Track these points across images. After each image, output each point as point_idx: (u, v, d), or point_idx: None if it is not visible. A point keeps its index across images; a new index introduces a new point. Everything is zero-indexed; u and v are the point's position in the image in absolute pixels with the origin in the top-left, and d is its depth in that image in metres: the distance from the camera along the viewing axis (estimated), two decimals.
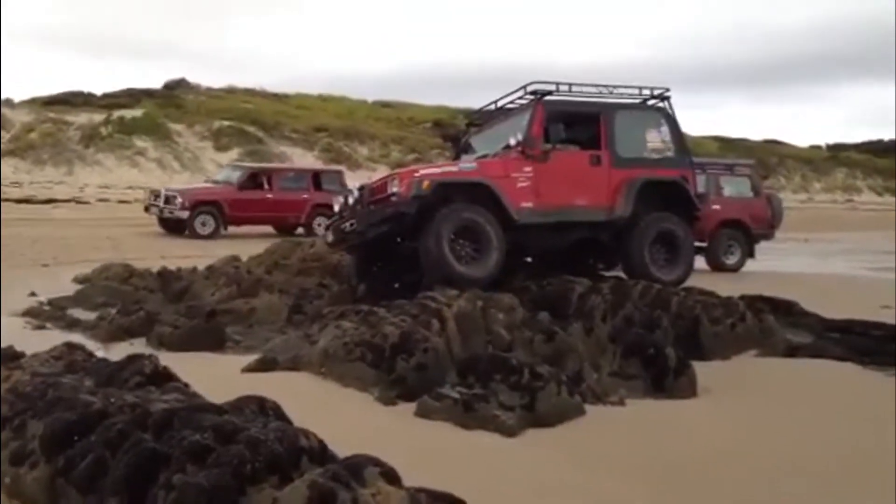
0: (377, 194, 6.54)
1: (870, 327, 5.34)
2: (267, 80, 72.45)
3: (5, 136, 25.57)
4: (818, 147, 48.68)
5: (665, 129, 7.43)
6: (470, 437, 3.33)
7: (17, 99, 29.44)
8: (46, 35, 69.89)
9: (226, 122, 29.44)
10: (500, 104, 7.60)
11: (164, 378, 3.24)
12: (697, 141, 34.35)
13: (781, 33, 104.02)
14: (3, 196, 18.50)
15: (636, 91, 7.49)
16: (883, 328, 5.28)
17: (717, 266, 10.85)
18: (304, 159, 27.72)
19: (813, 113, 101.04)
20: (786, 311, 5.75)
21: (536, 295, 5.70)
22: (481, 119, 8.18)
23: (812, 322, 5.62)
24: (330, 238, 7.14)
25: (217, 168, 22.66)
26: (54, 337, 5.11)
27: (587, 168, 7.04)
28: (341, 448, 2.36)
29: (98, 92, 31.75)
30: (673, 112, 7.51)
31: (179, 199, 14.54)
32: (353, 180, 13.09)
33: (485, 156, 7.27)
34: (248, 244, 11.20)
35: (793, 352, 4.96)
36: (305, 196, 15.63)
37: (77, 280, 7.98)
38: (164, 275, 7.56)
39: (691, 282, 6.81)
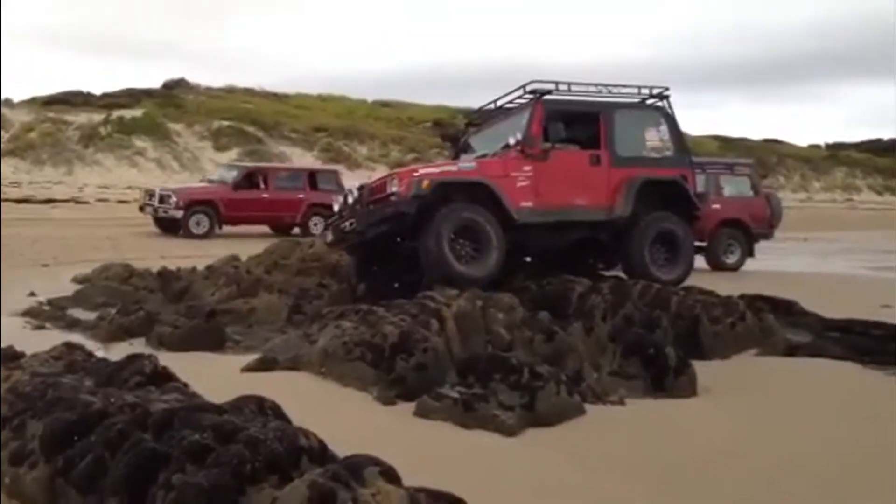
0: (377, 194, 6.54)
1: (869, 326, 5.34)
2: (266, 79, 72.62)
3: (5, 135, 25.58)
4: (818, 146, 48.72)
5: (664, 128, 7.43)
6: (470, 436, 3.32)
7: (16, 99, 29.49)
8: (46, 35, 69.94)
9: (225, 122, 29.44)
10: (499, 103, 7.59)
11: (163, 378, 3.24)
12: (697, 140, 34.37)
13: (781, 33, 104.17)
14: (2, 196, 18.49)
15: (635, 90, 7.49)
16: (883, 327, 5.27)
17: (716, 265, 10.85)
18: (304, 159, 27.74)
19: (812, 112, 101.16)
20: (785, 310, 5.75)
21: (536, 294, 5.70)
22: (480, 118, 8.18)
23: (812, 321, 5.61)
24: (329, 238, 7.14)
25: (216, 168, 22.64)
26: (54, 337, 5.11)
27: (587, 167, 7.04)
28: (341, 448, 2.36)
29: (97, 92, 31.82)
30: (672, 111, 7.51)
31: (174, 199, 14.51)
32: (353, 180, 13.08)
33: (484, 155, 7.27)
34: (247, 244, 11.20)
35: (792, 351, 4.96)
36: (301, 196, 15.61)
37: (77, 280, 7.98)
38: (163, 275, 7.56)
39: (691, 281, 6.81)
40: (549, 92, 7.04)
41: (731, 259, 11.05)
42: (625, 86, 7.45)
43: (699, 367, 4.27)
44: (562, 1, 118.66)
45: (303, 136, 30.53)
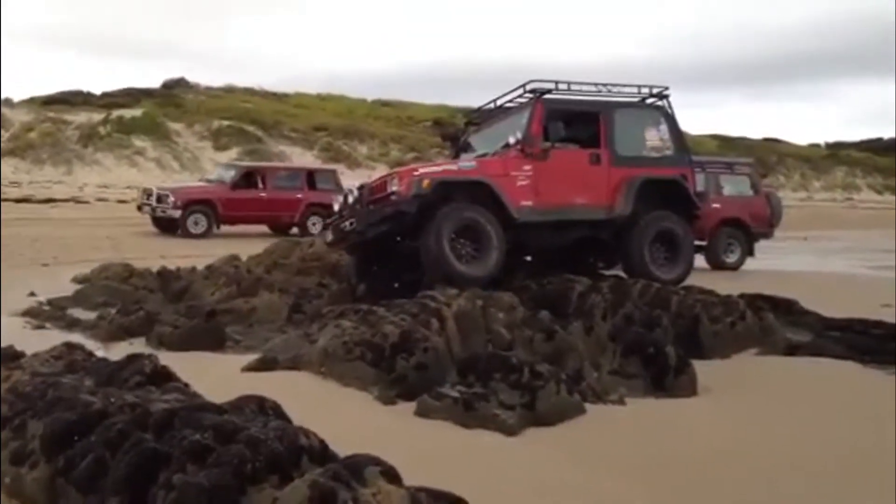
0: (377, 193, 6.53)
1: (870, 326, 5.33)
2: (266, 79, 72.62)
3: (5, 135, 25.57)
4: (817, 145, 48.73)
5: (664, 127, 7.43)
6: (470, 436, 3.32)
7: (16, 98, 29.47)
8: (46, 35, 69.92)
9: (225, 122, 29.44)
10: (499, 103, 7.59)
11: (164, 378, 3.24)
12: (697, 139, 34.38)
13: (781, 32, 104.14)
14: (2, 196, 18.49)
15: (635, 90, 7.49)
16: (883, 327, 5.27)
17: (716, 264, 10.85)
18: (304, 158, 27.73)
19: (812, 111, 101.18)
20: (786, 309, 5.74)
21: (536, 294, 5.70)
22: (480, 118, 8.17)
23: (812, 320, 5.61)
24: (329, 237, 7.14)
25: (214, 168, 22.63)
26: (54, 337, 5.11)
27: (587, 167, 7.04)
28: (341, 447, 2.36)
29: (97, 91, 31.80)
30: (672, 111, 7.51)
31: (172, 198, 14.48)
32: (353, 179, 13.10)
33: (484, 154, 7.27)
34: (248, 243, 11.20)
35: (793, 350, 4.96)
36: (299, 195, 15.58)
37: (76, 280, 7.97)
38: (163, 274, 7.56)
39: (691, 280, 6.81)
40: (549, 91, 7.04)
41: (731, 258, 11.05)
42: (625, 85, 7.46)
43: (699, 366, 4.27)
44: (562, 1, 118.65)
45: (303, 136, 30.53)
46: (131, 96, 30.94)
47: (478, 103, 8.41)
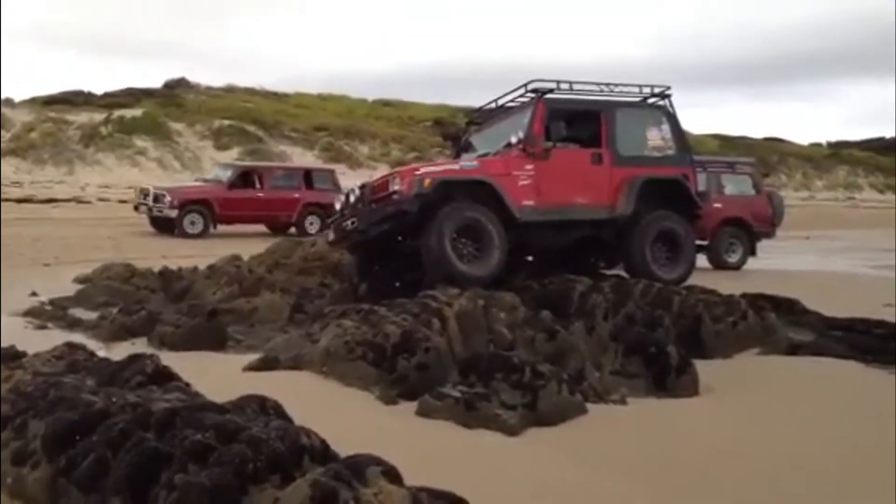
0: (378, 193, 6.53)
1: (872, 325, 5.33)
2: (267, 79, 72.65)
3: (6, 135, 25.58)
4: (819, 145, 48.72)
5: (666, 127, 7.42)
6: (471, 436, 3.32)
7: (17, 98, 29.49)
8: (46, 35, 69.98)
9: (226, 122, 29.44)
10: (500, 102, 7.59)
11: (165, 377, 3.24)
12: (698, 139, 34.36)
13: (781, 32, 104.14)
14: (4, 196, 18.50)
15: (637, 89, 7.49)
16: (885, 326, 5.26)
17: (718, 264, 10.83)
18: (305, 158, 27.72)
19: (813, 111, 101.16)
20: (787, 309, 5.74)
21: (538, 293, 5.69)
22: (482, 117, 8.17)
23: (814, 320, 5.60)
24: (331, 236, 7.14)
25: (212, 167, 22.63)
26: (55, 337, 5.11)
27: (588, 166, 7.03)
28: (343, 447, 2.36)
29: (98, 91, 31.81)
30: (674, 110, 7.50)
31: (168, 198, 14.42)
32: (354, 179, 13.09)
33: (486, 154, 7.26)
34: (249, 243, 11.20)
35: (795, 350, 4.96)
36: (297, 195, 15.57)
37: (78, 280, 7.98)
38: (165, 274, 7.56)
39: (693, 280, 6.80)
40: (551, 91, 7.03)
41: (733, 258, 11.03)
42: (626, 85, 7.45)
43: (701, 366, 4.26)
44: (562, 1, 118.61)
45: (303, 136, 30.53)
46: (132, 96, 30.95)
47: (478, 103, 8.42)
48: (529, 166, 6.72)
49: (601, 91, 7.31)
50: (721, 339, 4.94)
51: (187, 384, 3.23)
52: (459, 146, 8.36)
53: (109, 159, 26.05)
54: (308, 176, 16.25)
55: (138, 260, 9.14)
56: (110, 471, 2.24)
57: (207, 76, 72.37)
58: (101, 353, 4.17)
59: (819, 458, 3.09)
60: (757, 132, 49.88)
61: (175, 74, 37.08)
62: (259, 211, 15.36)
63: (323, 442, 2.33)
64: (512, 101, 7.39)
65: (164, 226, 14.70)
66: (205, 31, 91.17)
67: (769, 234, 11.64)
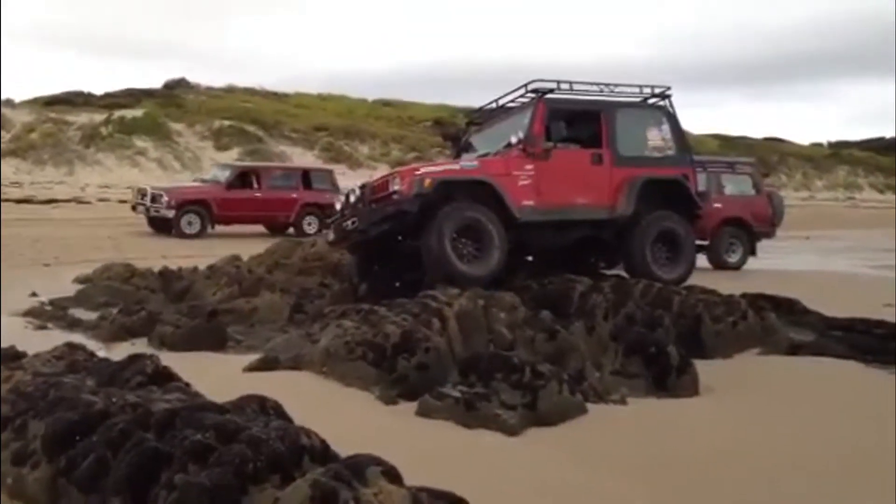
0: (378, 192, 6.53)
1: (872, 325, 5.33)
2: (267, 79, 72.63)
3: (6, 136, 25.58)
4: (819, 145, 48.70)
5: (666, 127, 7.42)
6: (471, 436, 3.32)
7: (17, 99, 29.49)
8: (46, 35, 69.99)
9: (226, 122, 29.43)
10: (500, 102, 7.59)
11: (165, 378, 3.24)
12: (698, 139, 34.36)
13: (781, 32, 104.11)
14: (4, 196, 18.50)
15: (637, 90, 7.49)
16: (885, 326, 5.26)
17: (718, 264, 10.83)
18: (305, 158, 27.72)
19: (813, 111, 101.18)
20: (788, 309, 5.74)
21: (538, 293, 5.69)
22: (482, 118, 8.17)
23: (814, 320, 5.61)
24: (331, 236, 7.14)
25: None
26: (56, 337, 5.11)
27: (588, 166, 7.03)
28: (343, 447, 2.36)
29: (98, 92, 31.81)
30: (674, 110, 7.50)
31: (165, 198, 14.38)
32: (354, 179, 13.09)
33: (486, 154, 7.27)
34: (249, 243, 11.20)
35: (795, 350, 4.96)
36: (295, 195, 15.54)
37: (78, 280, 7.97)
38: (165, 274, 7.56)
39: (693, 280, 6.81)
40: (551, 91, 7.03)
41: (733, 258, 11.03)
42: (626, 85, 7.45)
43: (701, 366, 4.26)
44: (562, 1, 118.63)
45: (303, 136, 30.53)
46: (132, 97, 30.95)
47: (478, 103, 8.43)
48: (529, 166, 6.72)
49: (601, 91, 7.31)
50: (721, 339, 4.94)
51: (187, 384, 3.23)
52: (459, 146, 8.36)
53: (109, 160, 26.05)
54: (306, 176, 16.22)
55: (138, 260, 9.14)
56: (110, 471, 2.24)
57: (207, 76, 72.40)
58: (101, 354, 4.17)
59: (819, 458, 3.09)
60: (757, 132, 49.93)
61: (175, 75, 37.08)
62: (257, 211, 15.33)
63: (323, 442, 2.33)
64: (512, 101, 7.39)
65: (162, 226, 14.67)
66: (205, 31, 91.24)
67: (769, 234, 11.64)
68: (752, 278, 8.96)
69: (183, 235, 14.16)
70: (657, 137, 7.37)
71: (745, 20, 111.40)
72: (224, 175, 15.64)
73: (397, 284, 6.69)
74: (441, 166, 7.04)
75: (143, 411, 2.52)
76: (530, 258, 7.36)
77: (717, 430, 3.48)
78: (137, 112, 28.40)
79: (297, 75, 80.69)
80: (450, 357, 4.10)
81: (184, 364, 3.72)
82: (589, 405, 3.67)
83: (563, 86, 7.04)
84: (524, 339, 4.49)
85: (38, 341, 4.49)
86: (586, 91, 7.25)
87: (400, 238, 6.59)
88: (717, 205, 10.86)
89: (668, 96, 7.51)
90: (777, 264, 11.70)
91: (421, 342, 4.04)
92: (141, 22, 75.39)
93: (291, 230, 15.02)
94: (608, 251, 7.50)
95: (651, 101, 7.55)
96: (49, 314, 6.26)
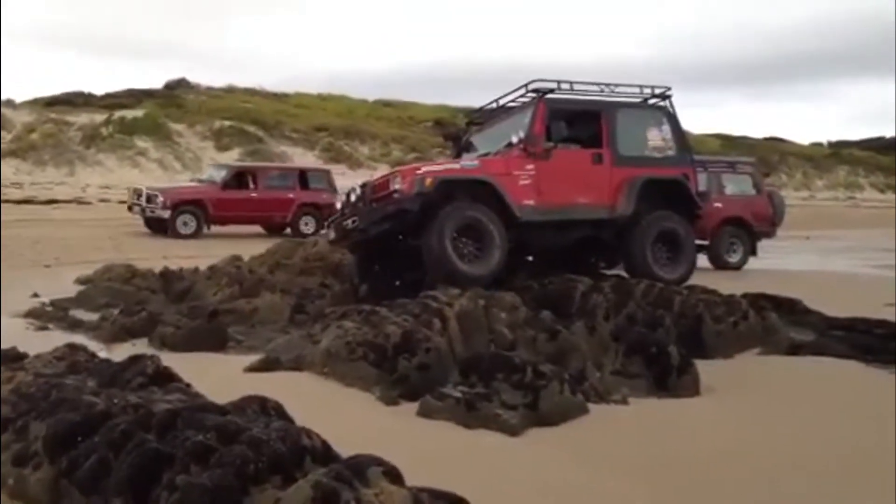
0: (379, 192, 6.53)
1: (873, 325, 5.33)
2: (267, 79, 72.59)
3: (7, 136, 25.59)
4: (820, 144, 48.69)
5: (666, 127, 7.42)
6: (472, 436, 3.32)
7: (18, 99, 29.50)
8: (46, 35, 70.03)
9: (226, 122, 29.45)
10: (501, 102, 7.59)
11: (166, 378, 3.24)
12: (699, 139, 34.35)
13: (781, 32, 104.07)
14: (4, 197, 18.50)
15: (637, 90, 7.49)
16: (886, 326, 5.26)
17: (719, 264, 10.83)
18: (305, 158, 27.74)
19: (812, 111, 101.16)
20: (788, 309, 5.74)
21: (539, 293, 5.69)
22: (482, 118, 8.17)
23: (815, 320, 5.61)
24: (332, 236, 7.14)
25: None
26: (57, 338, 5.11)
27: (589, 166, 7.04)
28: (344, 448, 2.36)
29: (99, 92, 31.83)
30: (674, 111, 7.51)
31: (161, 199, 14.36)
32: (355, 180, 13.11)
33: (487, 154, 7.27)
34: (249, 244, 11.20)
35: (796, 350, 4.96)
36: (291, 195, 15.51)
37: (79, 281, 7.98)
38: (166, 275, 7.56)
39: (693, 280, 6.80)
40: (552, 91, 7.04)
41: (734, 258, 11.02)
42: (627, 85, 7.45)
43: (702, 366, 4.26)
44: (562, 1, 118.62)
45: (304, 136, 30.54)
46: (133, 97, 30.97)
47: (478, 103, 8.43)
48: (530, 166, 6.72)
49: (602, 91, 7.31)
50: (722, 339, 4.94)
51: (188, 385, 3.23)
52: (460, 146, 8.36)
53: (110, 160, 26.06)
54: (303, 176, 16.19)
55: (139, 261, 9.14)
56: (112, 472, 2.24)
57: (207, 76, 72.37)
58: (103, 355, 4.17)
59: (820, 457, 3.09)
60: (757, 132, 49.90)
61: (175, 75, 37.11)
62: (253, 211, 15.28)
63: (324, 443, 2.34)
64: (513, 101, 7.39)
65: (158, 226, 14.63)
66: (205, 31, 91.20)
67: (770, 234, 11.64)
68: (752, 278, 8.96)
69: (178, 236, 14.11)
70: (657, 137, 7.37)
71: (745, 20, 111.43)
72: (220, 175, 15.60)
73: (398, 284, 6.69)
74: (442, 166, 7.04)
75: (145, 412, 2.52)
76: (531, 258, 7.36)
77: (718, 430, 3.48)
78: (138, 112, 28.42)
79: (297, 75, 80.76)
80: (451, 357, 4.10)
81: (185, 365, 3.72)
82: (590, 405, 3.67)
83: (564, 86, 7.05)
84: (525, 339, 4.49)
85: (39, 342, 4.49)
86: (587, 91, 7.26)
87: (400, 237, 6.60)
88: (718, 204, 10.85)
89: (669, 97, 7.51)
90: (778, 264, 11.70)
91: (422, 342, 4.04)
92: (141, 22, 75.46)
93: (288, 230, 15.01)
94: (608, 251, 7.50)
95: (651, 101, 7.55)
96: (50, 315, 6.26)
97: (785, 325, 5.32)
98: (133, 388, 3.08)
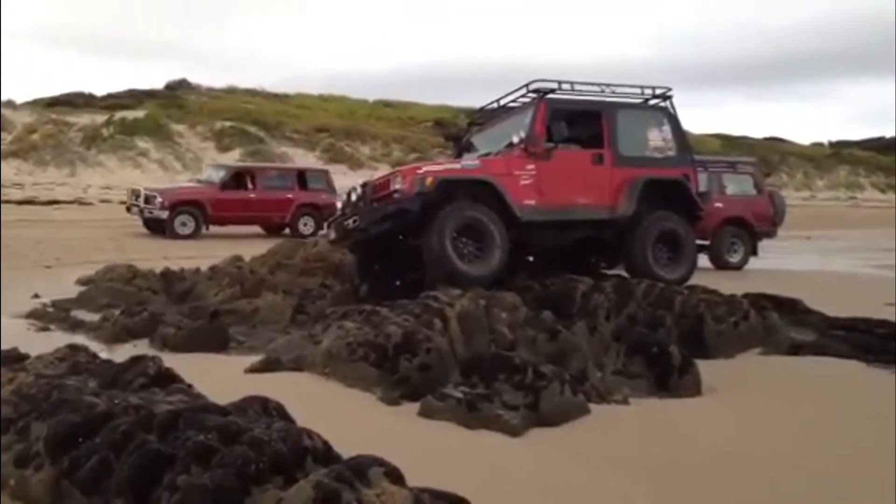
0: (380, 191, 6.53)
1: (873, 325, 5.33)
2: (267, 79, 72.52)
3: (8, 137, 25.60)
4: (821, 144, 48.64)
5: (667, 128, 7.43)
6: (473, 436, 3.32)
7: (19, 100, 29.51)
8: (46, 35, 70.09)
9: (227, 123, 29.44)
10: (502, 102, 7.59)
11: (167, 379, 3.25)
12: (699, 139, 34.33)
13: (781, 32, 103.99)
14: (5, 197, 18.51)
15: (638, 90, 7.49)
16: (886, 326, 5.26)
17: (720, 264, 10.83)
18: (306, 159, 27.73)
19: (813, 111, 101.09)
20: (789, 308, 5.74)
21: (539, 294, 5.70)
22: (483, 118, 8.17)
23: (816, 320, 5.60)
24: (332, 235, 7.14)
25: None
26: (58, 339, 5.12)
27: (589, 167, 7.04)
28: (345, 448, 2.37)
29: (100, 93, 31.84)
30: (675, 111, 7.51)
31: (159, 199, 14.34)
32: (355, 180, 13.11)
33: (487, 154, 7.27)
34: (250, 244, 11.21)
35: (796, 350, 4.96)
36: (290, 196, 15.50)
37: (80, 281, 7.98)
38: (167, 276, 7.56)
39: (694, 280, 6.81)
40: (553, 91, 7.04)
41: (735, 258, 11.02)
42: (628, 85, 7.46)
43: (703, 366, 4.26)
44: (562, 1, 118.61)
45: (305, 137, 30.54)
46: (134, 98, 30.97)
47: (479, 103, 8.44)
48: (531, 166, 6.72)
49: (603, 92, 7.32)
50: (723, 339, 4.94)
51: (189, 386, 3.23)
52: (461, 146, 8.36)
53: (111, 161, 26.06)
54: (301, 176, 16.18)
55: (140, 261, 9.14)
56: (113, 473, 2.25)
57: (208, 76, 72.48)
58: (104, 355, 4.17)
59: (820, 458, 3.09)
60: (758, 132, 49.85)
61: (175, 74, 37.16)
62: (252, 212, 15.27)
63: (325, 443, 2.34)
64: (513, 101, 7.40)
65: (157, 227, 14.61)
66: (205, 31, 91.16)
67: (771, 234, 11.64)
68: (753, 278, 8.96)
69: (176, 236, 14.07)
70: (658, 138, 7.38)
71: (745, 20, 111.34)
72: (218, 175, 15.58)
73: (398, 284, 6.69)
74: (442, 165, 7.04)
75: (146, 413, 2.52)
76: (531, 258, 7.36)
77: (720, 431, 3.48)
78: (139, 113, 28.41)
79: (297, 76, 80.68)
80: (452, 358, 4.10)
81: (186, 365, 3.72)
82: (591, 405, 3.67)
83: (565, 86, 7.05)
84: (526, 340, 4.49)
85: (41, 343, 4.49)
86: (587, 91, 7.26)
87: (401, 237, 6.60)
88: (719, 204, 10.85)
89: (670, 97, 7.51)
90: (778, 264, 11.69)
91: (423, 343, 4.04)
92: (141, 22, 75.43)
93: (287, 231, 14.99)
94: (609, 251, 7.50)
95: (652, 101, 7.55)
96: (51, 316, 6.26)
97: (786, 325, 5.32)
98: (134, 389, 3.08)
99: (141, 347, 5.03)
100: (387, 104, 38.89)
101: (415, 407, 3.66)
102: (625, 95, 7.46)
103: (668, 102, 7.53)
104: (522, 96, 7.24)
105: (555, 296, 5.60)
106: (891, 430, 3.32)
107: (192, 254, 10.87)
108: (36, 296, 7.15)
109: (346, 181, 16.04)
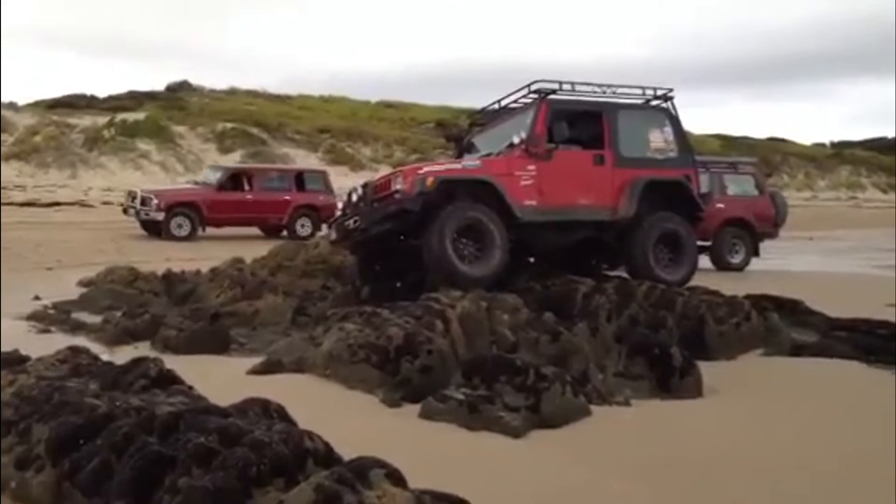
0: (381, 191, 6.52)
1: (875, 326, 5.32)
2: (268, 80, 72.62)
3: (9, 139, 25.63)
4: (822, 145, 48.60)
5: (668, 129, 7.41)
6: (475, 438, 3.32)
7: (20, 102, 29.54)
8: (46, 36, 70.20)
9: (229, 125, 29.45)
10: (503, 103, 7.59)
11: (168, 381, 3.25)
12: (700, 139, 34.29)
13: (781, 32, 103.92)
14: (6, 199, 18.52)
15: (640, 91, 7.48)
16: (888, 326, 5.26)
17: (721, 265, 10.82)
18: (308, 160, 27.72)
19: (813, 111, 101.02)
20: (791, 309, 5.73)
21: (541, 295, 5.69)
22: (484, 118, 8.17)
23: (817, 321, 5.60)
24: (333, 236, 7.14)
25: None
26: (59, 341, 5.12)
27: (590, 167, 7.03)
28: (346, 450, 2.36)
29: (101, 95, 31.87)
30: (676, 112, 7.50)
31: (155, 201, 14.32)
32: (356, 181, 13.11)
33: (488, 154, 7.27)
34: (251, 245, 11.20)
35: (798, 351, 4.95)
36: (287, 197, 15.47)
37: (81, 283, 7.99)
38: (168, 277, 7.57)
39: (696, 281, 6.80)
40: (554, 91, 7.04)
41: (736, 259, 11.02)
42: (629, 86, 7.45)
43: (705, 367, 4.26)
44: (562, 1, 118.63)
45: (306, 138, 30.54)
46: (135, 99, 31.00)
47: (480, 104, 8.43)
48: (532, 167, 6.72)
49: (604, 92, 7.31)
50: (724, 340, 4.94)
51: (190, 388, 3.23)
52: (462, 147, 8.36)
53: (113, 163, 26.07)
54: (299, 178, 16.15)
55: (141, 263, 9.16)
56: (114, 474, 2.25)
57: (208, 77, 72.51)
58: (105, 357, 4.17)
59: (822, 458, 3.09)
60: (759, 132, 49.77)
61: (176, 76, 37.26)
62: (248, 213, 15.24)
63: (326, 445, 2.34)
64: (514, 101, 7.39)
65: (154, 229, 14.59)
66: (205, 31, 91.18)
67: (772, 235, 11.63)
68: (755, 279, 8.96)
69: (172, 238, 14.03)
70: (659, 139, 7.36)
71: (745, 20, 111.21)
72: (215, 177, 15.55)
73: (399, 285, 6.69)
74: (443, 166, 7.04)
75: (147, 415, 2.52)
76: (532, 259, 7.35)
77: (721, 432, 3.47)
78: (140, 115, 28.42)
79: (298, 76, 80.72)
80: (453, 359, 4.10)
81: (187, 367, 3.72)
82: (593, 407, 3.67)
83: (566, 87, 7.05)
84: (527, 341, 4.49)
85: (42, 345, 4.49)
86: (589, 92, 7.25)
87: (402, 237, 6.59)
88: (720, 205, 10.84)
89: (671, 98, 7.50)
90: (780, 265, 11.69)
91: (424, 344, 4.04)
92: (141, 22, 75.47)
93: (284, 232, 14.98)
94: (610, 252, 7.49)
95: (653, 102, 7.55)
96: (52, 318, 6.27)
97: (787, 325, 5.32)
98: (135, 391, 3.08)
99: (142, 349, 5.03)
100: (388, 105, 38.90)
101: (416, 409, 3.65)
102: (626, 96, 7.45)
103: (669, 103, 7.52)
104: (524, 97, 7.23)
105: (556, 297, 5.60)
106: (892, 431, 3.31)
107: (193, 256, 10.88)
108: (37, 298, 7.16)
109: (348, 182, 16.05)
